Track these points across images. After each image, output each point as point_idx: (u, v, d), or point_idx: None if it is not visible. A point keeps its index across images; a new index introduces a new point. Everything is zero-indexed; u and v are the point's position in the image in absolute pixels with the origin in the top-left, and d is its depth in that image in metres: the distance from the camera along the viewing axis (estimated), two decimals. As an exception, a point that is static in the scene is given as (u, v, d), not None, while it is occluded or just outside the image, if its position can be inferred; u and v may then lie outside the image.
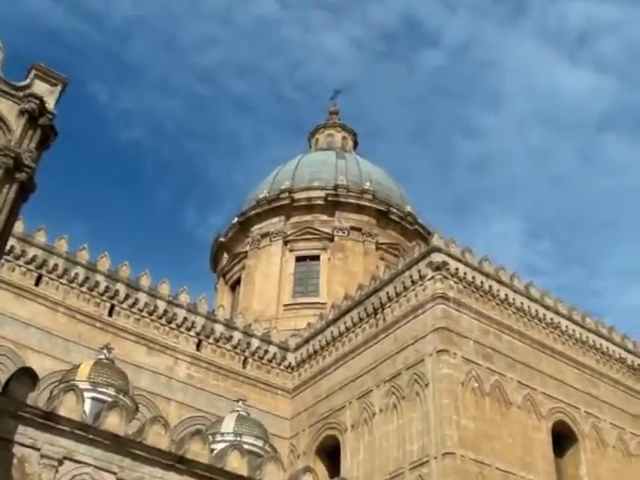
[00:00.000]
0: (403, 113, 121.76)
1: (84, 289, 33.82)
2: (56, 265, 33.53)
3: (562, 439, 33.17)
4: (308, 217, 48.44)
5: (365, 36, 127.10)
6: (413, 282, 33.26)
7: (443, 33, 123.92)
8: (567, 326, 36.08)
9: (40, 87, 20.10)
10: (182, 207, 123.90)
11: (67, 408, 21.29)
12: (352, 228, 47.60)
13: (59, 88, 20.43)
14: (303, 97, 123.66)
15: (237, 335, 37.42)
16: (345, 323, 36.15)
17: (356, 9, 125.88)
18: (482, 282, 33.65)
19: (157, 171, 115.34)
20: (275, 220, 48.61)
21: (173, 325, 35.71)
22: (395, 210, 49.78)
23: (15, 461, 19.71)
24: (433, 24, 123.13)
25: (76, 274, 33.82)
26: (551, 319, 35.53)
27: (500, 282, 34.37)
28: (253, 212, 49.79)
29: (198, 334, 36.35)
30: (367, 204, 48.89)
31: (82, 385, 24.57)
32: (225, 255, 51.35)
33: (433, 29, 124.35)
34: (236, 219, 50.96)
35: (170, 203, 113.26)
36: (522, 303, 34.71)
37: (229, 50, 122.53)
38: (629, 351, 38.37)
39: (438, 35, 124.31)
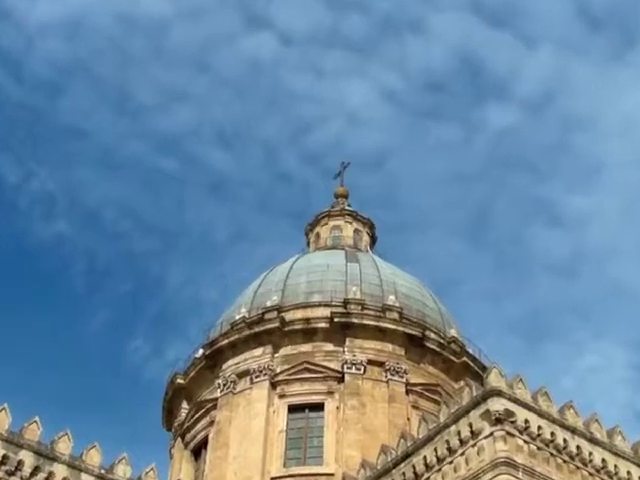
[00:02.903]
0: (454, 195, 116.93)
1: (-32, 461, 31.70)
2: None
3: None
4: (306, 347, 47.28)
5: (401, 85, 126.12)
6: (462, 442, 31.92)
7: (516, 79, 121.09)
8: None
9: None
10: (125, 334, 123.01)
11: None
12: (370, 362, 46.27)
13: None
14: (310, 173, 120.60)
15: (201, 526, 35.37)
16: (364, 505, 35.00)
17: (389, 48, 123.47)
18: (566, 440, 32.31)
19: (91, 281, 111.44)
20: (258, 352, 47.31)
21: (106, 512, 33.67)
22: (433, 335, 48.76)
23: None
24: (502, 68, 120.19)
25: (-44, 439, 31.79)
26: (675, 494, 33.58)
27: (593, 441, 32.87)
28: (226, 341, 48.46)
29: (142, 525, 34.21)
30: (392, 326, 47.70)
31: None
32: (185, 404, 49.79)
33: (502, 74, 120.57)
34: (201, 351, 49.54)
35: (107, 329, 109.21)
36: (630, 473, 32.88)
37: (205, 108, 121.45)
38: None
39: (509, 82, 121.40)
